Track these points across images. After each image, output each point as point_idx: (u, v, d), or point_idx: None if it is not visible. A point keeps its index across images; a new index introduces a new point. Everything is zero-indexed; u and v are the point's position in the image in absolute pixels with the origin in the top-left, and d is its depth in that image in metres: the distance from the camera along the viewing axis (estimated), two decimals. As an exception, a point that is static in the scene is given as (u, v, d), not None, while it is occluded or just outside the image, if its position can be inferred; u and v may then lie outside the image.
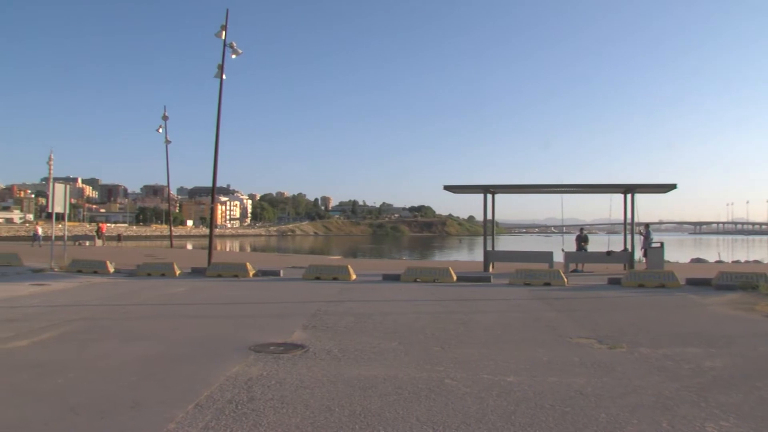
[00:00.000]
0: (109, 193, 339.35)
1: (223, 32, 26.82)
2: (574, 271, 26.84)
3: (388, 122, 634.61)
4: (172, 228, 77.25)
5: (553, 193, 31.77)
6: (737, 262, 42.95)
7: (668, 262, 31.46)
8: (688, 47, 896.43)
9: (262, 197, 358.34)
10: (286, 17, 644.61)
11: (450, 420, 6.27)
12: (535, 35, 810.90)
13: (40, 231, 58.32)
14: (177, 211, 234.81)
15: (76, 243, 57.16)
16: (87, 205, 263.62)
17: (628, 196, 28.22)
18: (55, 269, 25.00)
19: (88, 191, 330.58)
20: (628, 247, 28.16)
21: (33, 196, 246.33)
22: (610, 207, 30.17)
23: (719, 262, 42.42)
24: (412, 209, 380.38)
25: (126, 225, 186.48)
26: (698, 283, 20.88)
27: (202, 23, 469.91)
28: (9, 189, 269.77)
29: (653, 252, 26.38)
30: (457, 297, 17.58)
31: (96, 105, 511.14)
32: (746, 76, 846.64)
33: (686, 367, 8.73)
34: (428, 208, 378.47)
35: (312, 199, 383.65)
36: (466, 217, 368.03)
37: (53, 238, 29.10)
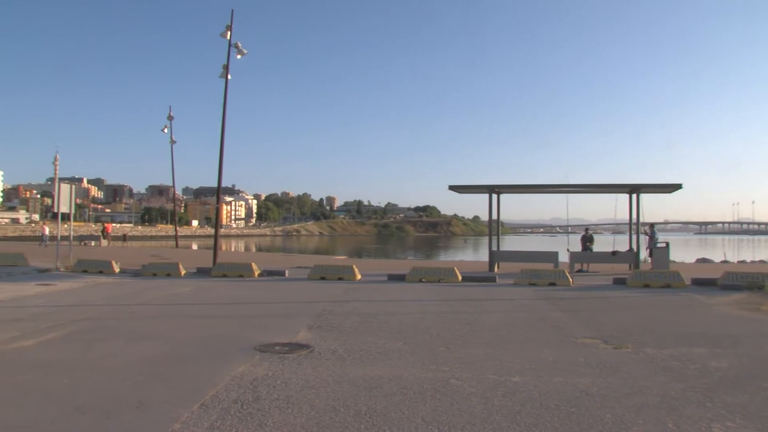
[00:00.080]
0: (115, 193, 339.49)
1: (228, 32, 26.81)
2: (579, 271, 26.81)
3: (393, 122, 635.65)
4: (178, 228, 77.27)
5: (559, 193, 31.79)
6: (743, 262, 42.89)
7: (673, 262, 31.44)
8: (690, 48, 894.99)
9: (267, 197, 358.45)
10: (291, 17, 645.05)
11: (455, 420, 6.26)
12: (538, 36, 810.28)
13: (47, 231, 58.44)
14: (182, 211, 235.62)
15: (82, 243, 57.31)
16: (92, 205, 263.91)
17: (634, 196, 28.16)
18: (61, 269, 25.04)
19: (94, 191, 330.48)
20: (634, 247, 28.11)
21: (39, 196, 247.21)
22: (616, 207, 30.17)
23: (725, 262, 42.39)
24: (417, 209, 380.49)
25: (131, 225, 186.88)
26: (704, 283, 20.82)
27: (206, 23, 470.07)
28: (15, 189, 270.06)
29: (658, 252, 26.35)
30: (462, 297, 17.58)
31: (100, 105, 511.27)
32: (753, 77, 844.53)
33: (692, 368, 8.72)
34: (433, 208, 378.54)
35: (317, 199, 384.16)
36: (471, 217, 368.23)
37: (59, 238, 29.16)
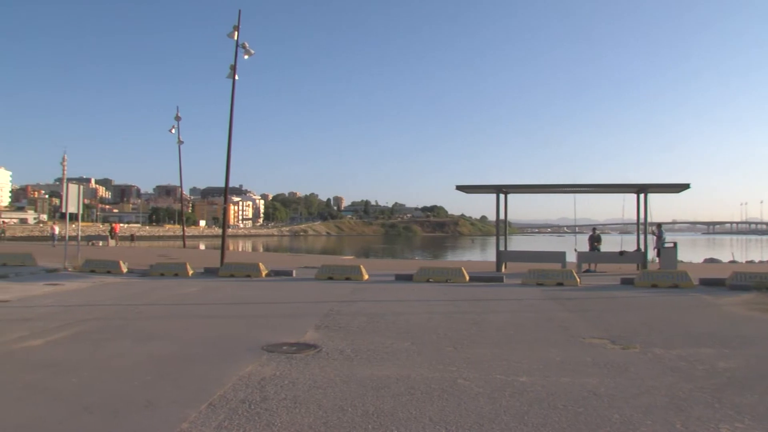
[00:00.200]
0: (122, 193, 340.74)
1: (236, 33, 26.83)
2: (587, 271, 26.76)
3: (400, 122, 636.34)
4: (185, 228, 77.44)
5: (566, 193, 31.71)
6: (751, 262, 42.77)
7: (681, 262, 31.31)
8: (693, 47, 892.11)
9: (275, 197, 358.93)
10: (298, 16, 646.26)
11: (463, 420, 6.26)
12: (542, 37, 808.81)
13: (56, 231, 58.59)
14: (190, 211, 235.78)
15: (90, 243, 57.36)
16: (100, 205, 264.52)
17: (641, 195, 28.12)
18: (69, 269, 25.11)
19: (102, 192, 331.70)
20: (641, 247, 28.06)
21: (47, 196, 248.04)
22: (623, 207, 30.10)
23: (733, 262, 42.28)
24: (425, 209, 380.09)
25: (139, 225, 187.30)
26: (712, 284, 20.76)
27: (213, 23, 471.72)
28: (23, 189, 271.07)
29: (666, 252, 26.27)
30: (469, 297, 17.56)
31: (108, 106, 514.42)
32: (763, 76, 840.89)
33: (700, 368, 8.69)
34: (441, 208, 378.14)
35: (324, 199, 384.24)
36: (478, 217, 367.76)
37: (67, 238, 29.25)
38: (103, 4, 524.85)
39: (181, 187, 78.58)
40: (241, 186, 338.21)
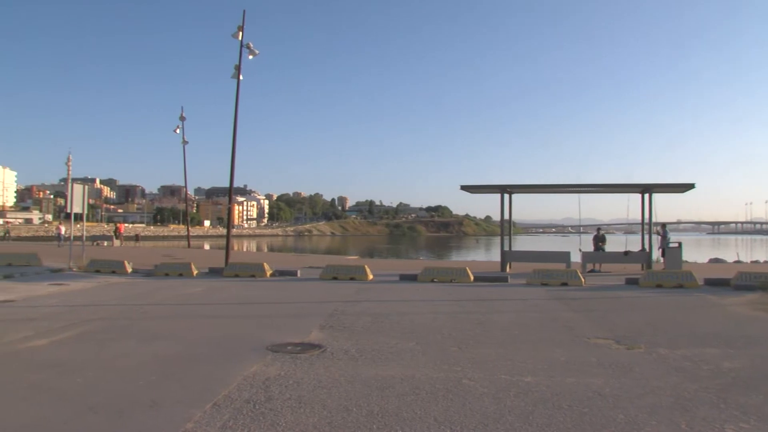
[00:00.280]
0: (127, 193, 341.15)
1: (240, 33, 26.84)
2: (592, 271, 26.74)
3: (405, 122, 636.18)
4: (190, 228, 77.36)
5: (571, 193, 31.66)
6: (756, 262, 42.62)
7: (686, 262, 31.27)
8: (703, 45, 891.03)
9: (279, 197, 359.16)
10: (300, 16, 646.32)
11: (468, 420, 6.26)
12: (543, 37, 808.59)
13: (63, 231, 58.66)
14: (194, 211, 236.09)
15: (95, 243, 57.37)
16: (105, 205, 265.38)
17: (646, 195, 28.08)
18: (74, 269, 25.14)
19: (106, 192, 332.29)
20: (646, 247, 28.02)
21: (52, 196, 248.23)
22: (628, 207, 30.16)
23: (738, 262, 42.12)
24: (429, 209, 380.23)
25: (144, 225, 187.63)
26: (717, 284, 20.73)
27: (217, 23, 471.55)
28: (28, 189, 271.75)
29: (671, 252, 26.23)
30: (474, 297, 17.56)
31: (113, 106, 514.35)
32: (765, 75, 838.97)
33: (705, 368, 8.68)
34: (445, 208, 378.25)
35: (329, 199, 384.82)
36: (482, 217, 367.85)
37: (72, 238, 29.29)
38: (104, 4, 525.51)
39: (185, 187, 78.44)
40: (245, 186, 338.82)
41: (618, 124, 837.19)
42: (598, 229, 30.83)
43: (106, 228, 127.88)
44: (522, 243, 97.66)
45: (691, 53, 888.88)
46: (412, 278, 22.49)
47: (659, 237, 28.66)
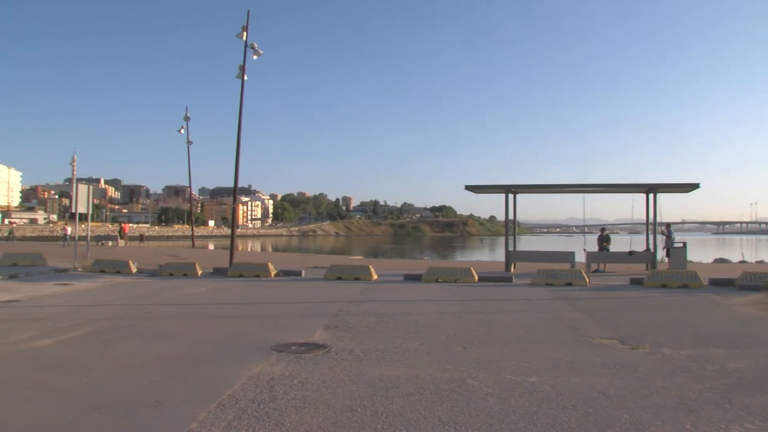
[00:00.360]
0: (132, 193, 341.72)
1: (245, 33, 26.86)
2: (596, 271, 26.70)
3: (409, 122, 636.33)
4: (194, 228, 77.57)
5: (575, 193, 31.63)
6: (761, 262, 42.49)
7: (691, 262, 31.22)
8: (708, 45, 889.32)
9: (284, 197, 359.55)
10: (306, 16, 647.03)
11: (472, 420, 6.25)
12: (545, 38, 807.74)
13: (69, 231, 58.74)
14: (199, 211, 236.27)
15: (99, 243, 57.47)
16: (109, 205, 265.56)
17: (651, 195, 28.02)
18: (79, 269, 25.19)
19: (111, 192, 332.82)
20: (651, 247, 27.96)
21: (56, 196, 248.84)
22: (632, 207, 30.00)
23: (743, 262, 42.05)
24: (434, 209, 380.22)
25: (148, 225, 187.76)
26: (722, 284, 20.69)
27: (221, 23, 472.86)
28: (33, 190, 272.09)
29: (676, 252, 26.19)
30: (478, 297, 17.55)
31: (117, 106, 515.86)
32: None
33: (710, 368, 8.66)
34: (449, 208, 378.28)
35: (333, 199, 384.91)
36: (487, 217, 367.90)
37: (76, 238, 29.35)
38: (106, 3, 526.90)
39: (190, 187, 78.65)
40: (250, 186, 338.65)
41: (620, 124, 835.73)
42: (603, 229, 30.77)
43: (110, 228, 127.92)
44: (526, 243, 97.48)
45: (692, 53, 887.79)
46: (416, 278, 22.49)
47: (664, 237, 28.63)
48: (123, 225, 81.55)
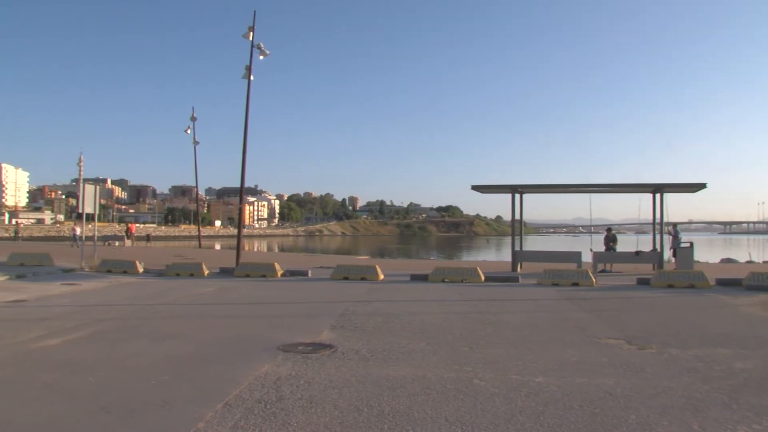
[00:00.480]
0: (138, 193, 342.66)
1: (251, 33, 26.88)
2: (603, 271, 26.66)
3: (415, 122, 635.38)
4: (201, 228, 77.66)
5: (582, 193, 31.58)
6: (769, 262, 42.37)
7: (698, 262, 31.16)
8: (714, 43, 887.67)
9: (290, 197, 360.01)
10: (311, 15, 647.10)
11: (479, 420, 6.25)
12: (548, 39, 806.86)
13: (78, 231, 58.85)
14: (205, 211, 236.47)
15: (106, 243, 57.58)
16: (116, 205, 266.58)
17: (657, 195, 27.97)
18: (85, 269, 25.25)
19: (118, 192, 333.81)
20: (657, 247, 27.90)
21: (64, 197, 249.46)
22: (639, 207, 30.01)
23: (750, 262, 41.88)
24: (440, 209, 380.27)
25: (155, 225, 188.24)
26: (729, 284, 20.65)
27: (229, 23, 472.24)
28: (40, 190, 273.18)
29: (683, 252, 26.14)
30: (485, 297, 17.54)
31: (124, 106, 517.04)
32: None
33: (717, 369, 8.64)
34: (456, 208, 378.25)
35: (339, 200, 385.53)
36: (493, 217, 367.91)
37: (83, 238, 29.44)
38: (116, 3, 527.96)
39: (196, 187, 78.71)
40: (256, 186, 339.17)
41: (625, 124, 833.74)
42: (609, 229, 30.70)
43: (117, 228, 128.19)
44: (533, 243, 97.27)
45: (703, 51, 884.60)
46: (422, 278, 22.49)
47: (670, 237, 28.57)
48: (130, 225, 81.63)
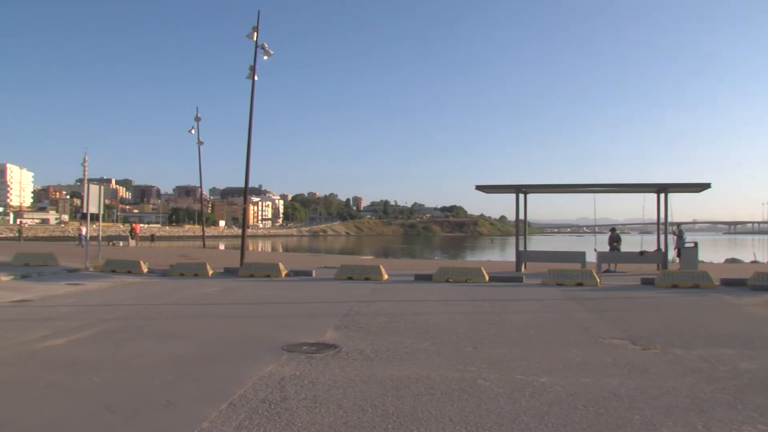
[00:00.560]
0: (143, 193, 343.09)
1: (255, 34, 26.89)
2: (607, 271, 26.62)
3: (419, 123, 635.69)
4: (205, 228, 77.75)
5: (586, 193, 31.55)
6: (773, 262, 42.30)
7: (702, 262, 31.10)
8: (719, 43, 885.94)
9: (294, 197, 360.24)
10: (315, 14, 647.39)
11: (483, 420, 6.24)
12: (550, 40, 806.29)
13: (83, 231, 58.87)
14: (209, 211, 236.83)
15: (110, 243, 57.60)
16: (121, 205, 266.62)
17: (662, 195, 27.91)
18: (90, 269, 25.28)
19: (122, 192, 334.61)
20: (662, 247, 27.86)
21: (68, 197, 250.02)
22: (643, 207, 29.88)
23: (755, 262, 41.87)
24: (444, 209, 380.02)
25: (159, 225, 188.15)
26: (733, 284, 20.61)
27: (234, 23, 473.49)
28: (45, 190, 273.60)
29: (687, 252, 26.10)
30: (489, 297, 17.53)
31: (128, 106, 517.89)
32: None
33: (722, 369, 8.62)
34: (460, 208, 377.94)
35: (344, 200, 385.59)
36: (497, 217, 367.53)
37: (87, 238, 29.48)
38: (119, 2, 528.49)
39: (200, 187, 78.96)
40: (260, 186, 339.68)
41: (629, 124, 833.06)
42: (613, 229, 30.66)
43: (121, 228, 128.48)
44: (537, 243, 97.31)
45: (708, 50, 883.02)
46: (426, 278, 22.48)
47: (675, 237, 28.50)
48: (134, 225, 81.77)
